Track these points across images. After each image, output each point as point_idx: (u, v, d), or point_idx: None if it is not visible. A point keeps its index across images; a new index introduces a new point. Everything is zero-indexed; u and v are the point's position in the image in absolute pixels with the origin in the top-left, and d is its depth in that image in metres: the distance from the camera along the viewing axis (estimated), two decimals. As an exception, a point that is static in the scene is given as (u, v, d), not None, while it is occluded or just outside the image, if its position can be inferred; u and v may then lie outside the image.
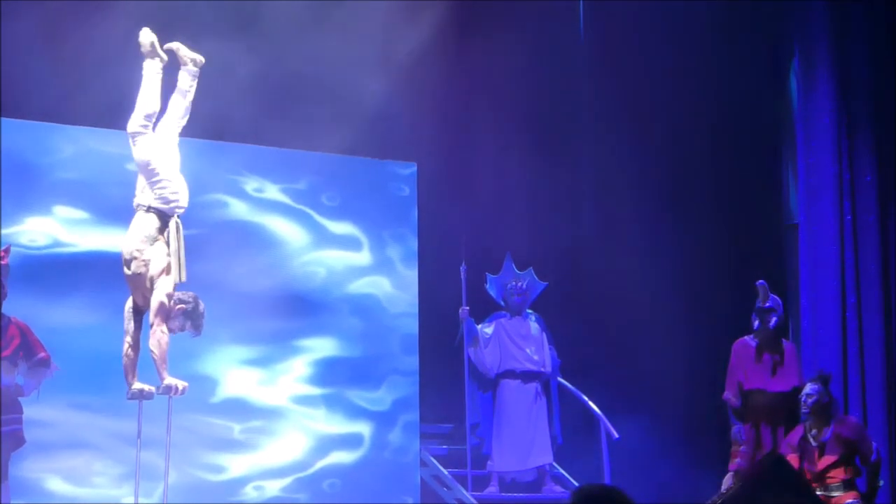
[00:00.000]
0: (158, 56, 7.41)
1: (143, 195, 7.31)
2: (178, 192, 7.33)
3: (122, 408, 7.72)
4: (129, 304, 7.30)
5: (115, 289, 7.63)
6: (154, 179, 7.28)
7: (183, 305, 7.21)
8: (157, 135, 7.37)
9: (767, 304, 9.20)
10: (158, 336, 7.09)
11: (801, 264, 10.61)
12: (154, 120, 7.37)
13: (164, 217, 7.28)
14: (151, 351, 7.11)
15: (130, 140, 7.34)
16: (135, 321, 7.26)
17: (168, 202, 7.29)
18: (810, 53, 10.71)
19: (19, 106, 9.05)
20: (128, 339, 7.23)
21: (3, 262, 8.05)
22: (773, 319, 9.22)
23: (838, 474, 8.45)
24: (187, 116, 7.48)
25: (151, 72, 7.40)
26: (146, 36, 7.42)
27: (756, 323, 9.21)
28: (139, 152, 7.32)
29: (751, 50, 11.11)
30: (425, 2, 10.08)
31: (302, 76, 9.59)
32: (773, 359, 9.21)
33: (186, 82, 7.49)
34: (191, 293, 7.27)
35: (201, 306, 7.29)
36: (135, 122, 7.33)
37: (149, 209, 7.27)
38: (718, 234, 10.90)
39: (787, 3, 10.90)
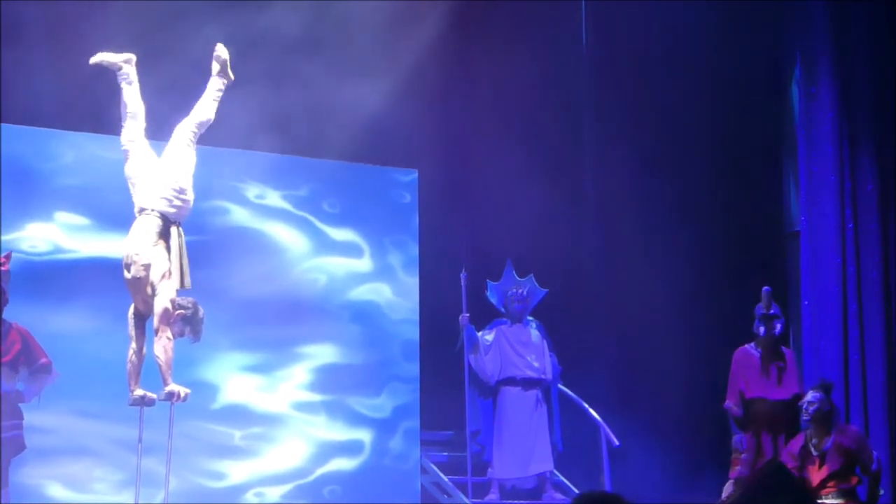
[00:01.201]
0: (227, 76, 7.57)
1: (149, 199, 7.31)
2: (189, 199, 7.38)
3: (123, 414, 7.72)
4: (131, 310, 7.30)
5: (117, 295, 7.63)
6: (173, 182, 7.31)
7: (182, 311, 7.20)
8: (145, 143, 7.47)
9: (772, 311, 9.20)
10: (164, 342, 7.09)
11: (803, 272, 10.61)
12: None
13: (166, 221, 7.29)
14: (157, 357, 7.11)
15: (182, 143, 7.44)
16: (138, 327, 7.27)
17: (175, 206, 7.31)
18: (812, 61, 10.72)
19: (20, 112, 9.06)
20: (132, 345, 7.24)
21: (4, 269, 8.05)
22: (778, 326, 9.23)
23: (839, 483, 8.45)
24: (204, 128, 7.58)
25: (212, 89, 7.54)
26: (223, 52, 7.59)
27: (762, 329, 9.20)
28: (178, 155, 7.40)
29: (752, 58, 11.12)
30: (427, 8, 10.09)
31: (303, 83, 9.59)
32: (775, 367, 9.21)
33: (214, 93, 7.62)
34: (190, 299, 7.27)
35: (201, 312, 7.28)
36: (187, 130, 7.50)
37: (151, 212, 7.28)
38: (719, 241, 10.89)
39: (788, 12, 10.91)
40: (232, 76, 7.65)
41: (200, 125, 7.52)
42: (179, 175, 7.36)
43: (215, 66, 7.62)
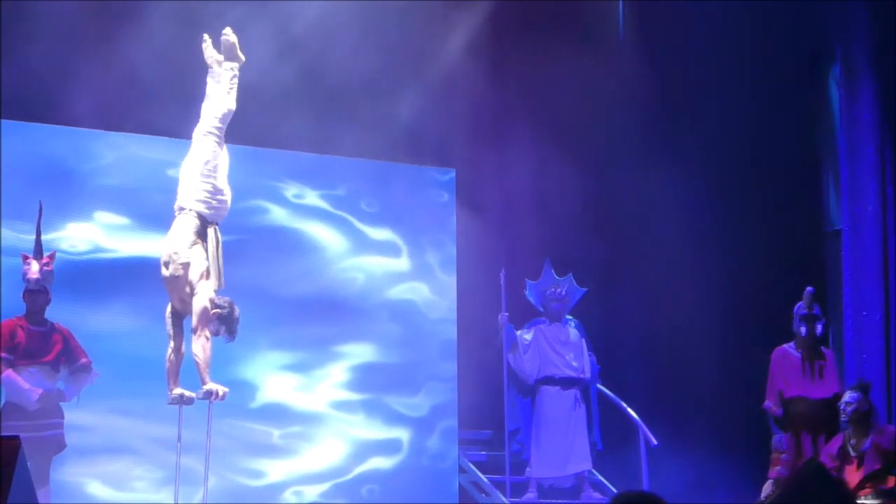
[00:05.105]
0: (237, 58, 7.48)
1: (186, 198, 7.34)
2: (226, 199, 7.39)
3: (162, 413, 7.77)
4: (168, 309, 7.33)
5: (156, 294, 7.67)
6: (206, 183, 7.30)
7: (218, 310, 7.22)
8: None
9: (814, 311, 9.15)
10: (202, 341, 7.12)
11: (844, 271, 10.53)
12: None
13: (204, 221, 7.31)
14: (195, 355, 7.14)
15: (207, 139, 7.39)
16: (176, 326, 7.30)
17: (212, 207, 7.33)
18: (852, 59, 10.64)
19: (61, 112, 9.11)
20: (171, 344, 7.27)
21: (48, 268, 8.10)
22: (819, 327, 9.18)
23: (877, 484, 8.38)
24: (227, 119, 7.51)
25: (226, 77, 7.47)
26: (231, 35, 7.51)
27: (803, 329, 9.14)
28: (206, 153, 7.37)
29: (792, 56, 11.04)
30: (463, 8, 10.09)
31: (342, 82, 9.62)
32: (815, 366, 9.15)
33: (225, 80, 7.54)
34: (226, 298, 7.29)
35: (236, 311, 7.30)
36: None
37: (191, 212, 7.30)
38: (758, 240, 10.82)
39: (828, 9, 10.84)
40: (242, 57, 7.58)
41: (224, 117, 7.47)
42: (214, 176, 7.35)
43: (226, 52, 7.54)
